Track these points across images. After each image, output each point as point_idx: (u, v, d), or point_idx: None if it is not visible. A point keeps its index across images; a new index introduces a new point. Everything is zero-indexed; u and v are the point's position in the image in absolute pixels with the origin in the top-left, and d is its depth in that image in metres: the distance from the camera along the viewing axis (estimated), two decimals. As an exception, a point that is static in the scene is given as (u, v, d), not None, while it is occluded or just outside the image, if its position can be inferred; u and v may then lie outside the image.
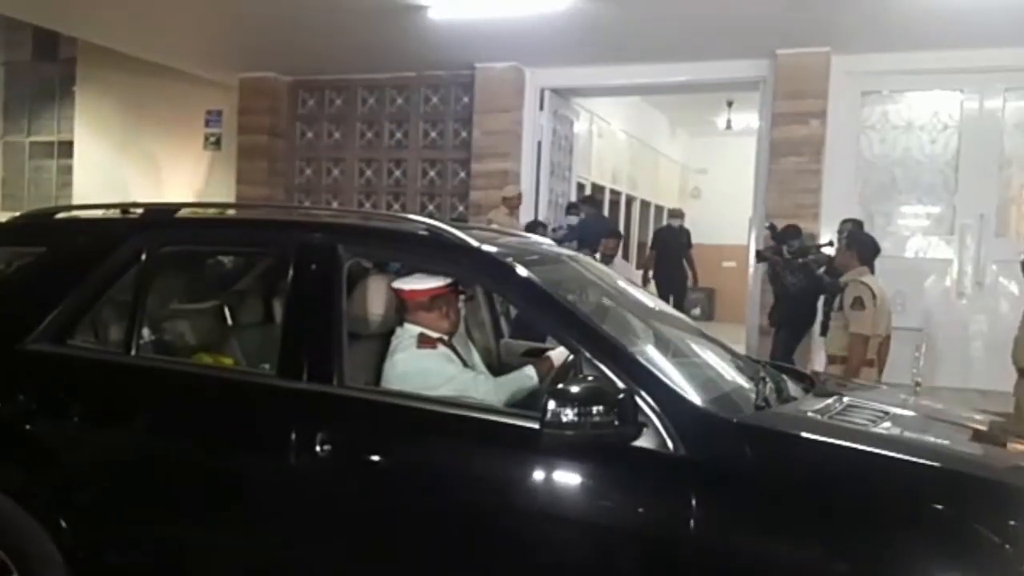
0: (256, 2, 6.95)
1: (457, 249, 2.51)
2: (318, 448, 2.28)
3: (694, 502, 2.01)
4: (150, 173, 11.91)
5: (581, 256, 3.44)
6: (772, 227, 7.10)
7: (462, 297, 2.90)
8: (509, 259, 2.51)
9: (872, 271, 5.38)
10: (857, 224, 6.65)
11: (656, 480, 2.10)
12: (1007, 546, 1.80)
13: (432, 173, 9.37)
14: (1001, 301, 7.24)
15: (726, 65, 7.86)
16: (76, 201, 11.97)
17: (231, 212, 3.28)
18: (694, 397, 2.22)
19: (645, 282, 9.65)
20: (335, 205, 9.79)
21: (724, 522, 2.02)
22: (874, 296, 5.00)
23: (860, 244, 5.40)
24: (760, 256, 7.18)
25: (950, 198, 7.53)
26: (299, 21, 7.31)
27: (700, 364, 2.73)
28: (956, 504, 1.94)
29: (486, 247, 2.53)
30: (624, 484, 2.13)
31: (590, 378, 2.15)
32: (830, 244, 6.55)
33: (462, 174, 9.11)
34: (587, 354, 2.23)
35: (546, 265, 2.81)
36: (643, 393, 2.12)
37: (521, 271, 2.44)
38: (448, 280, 2.74)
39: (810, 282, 6.40)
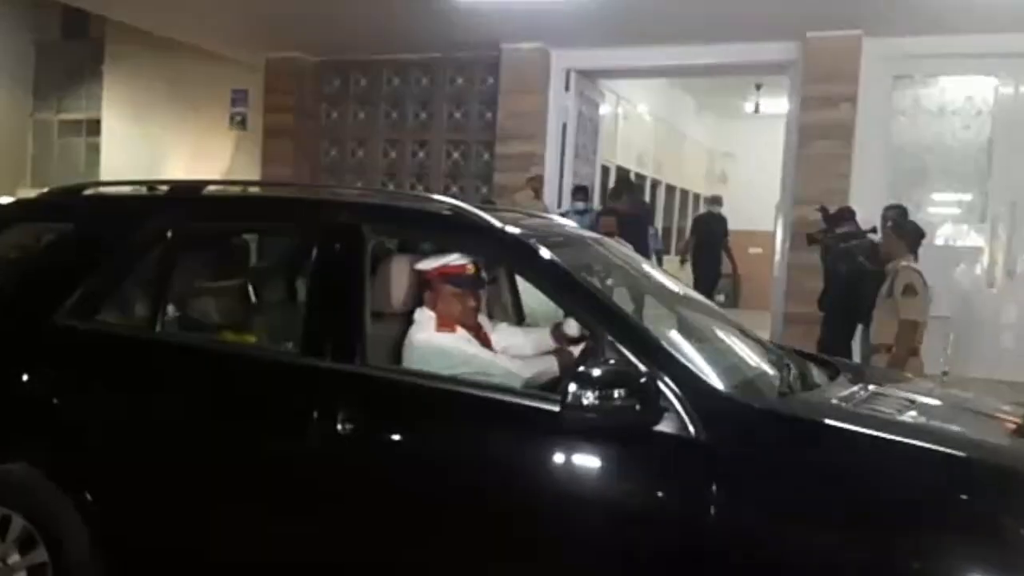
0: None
1: (481, 230, 2.50)
2: (340, 426, 2.29)
3: (714, 487, 2.00)
4: (176, 152, 12.02)
5: (606, 239, 3.41)
6: (824, 209, 6.85)
7: (483, 288, 2.85)
8: (533, 240, 2.49)
9: (916, 259, 5.25)
10: (901, 211, 6.52)
11: (677, 464, 2.09)
12: None
13: (456, 155, 9.35)
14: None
15: (755, 48, 7.75)
16: (104, 178, 12.11)
17: (256, 190, 3.28)
18: (716, 382, 2.21)
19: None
20: (359, 186, 9.81)
21: (745, 507, 2.01)
22: (925, 283, 4.93)
23: (909, 231, 5.28)
24: (811, 239, 6.89)
25: (982, 185, 7.40)
26: (325, 1, 7.29)
27: (723, 349, 2.71)
28: (981, 494, 1.92)
29: (510, 228, 2.52)
30: (645, 468, 2.12)
31: (612, 361, 2.14)
32: (874, 231, 6.40)
33: (486, 156, 9.09)
34: (610, 337, 2.22)
35: (570, 247, 2.80)
36: (665, 377, 2.11)
37: (545, 253, 2.43)
38: (467, 259, 2.71)
39: (852, 268, 6.24)
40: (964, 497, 1.93)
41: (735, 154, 14.38)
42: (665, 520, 2.06)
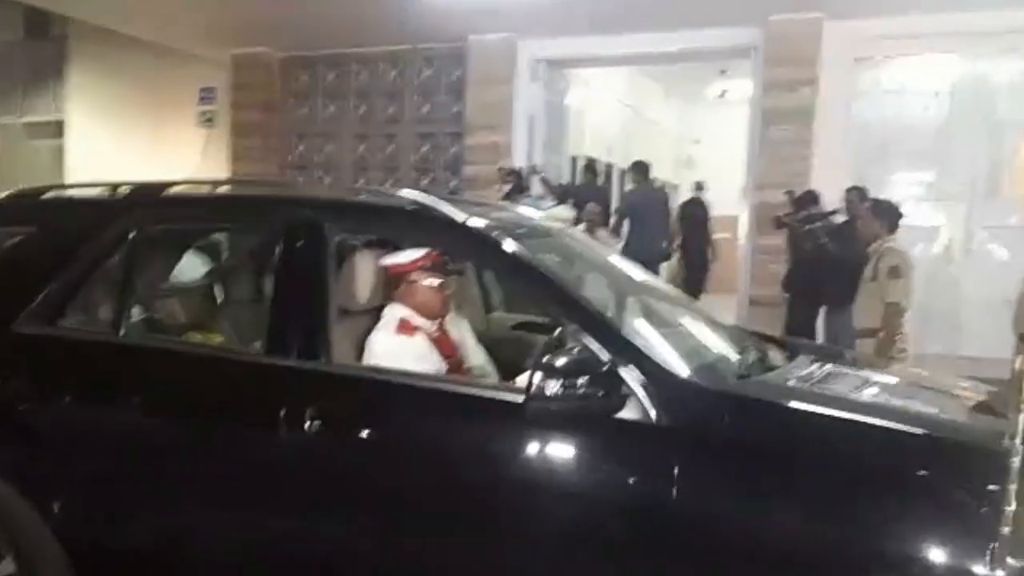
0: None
1: (444, 223, 2.51)
2: (307, 424, 2.31)
3: (676, 470, 2.04)
4: (144, 152, 11.88)
5: (571, 229, 3.46)
6: (791, 192, 7.00)
7: (450, 279, 2.86)
8: (496, 232, 2.52)
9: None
10: (861, 191, 6.66)
11: (640, 450, 2.13)
12: (984, 509, 1.82)
13: (426, 147, 9.36)
14: (991, 267, 7.26)
15: (719, 33, 7.83)
16: (70, 181, 11.97)
17: (223, 189, 3.29)
18: (676, 367, 2.25)
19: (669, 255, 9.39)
20: (328, 181, 9.80)
21: (706, 489, 2.06)
22: (910, 265, 4.91)
23: (886, 210, 5.23)
24: (778, 222, 7.00)
25: (942, 164, 7.54)
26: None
27: (684, 335, 2.76)
28: (938, 470, 1.96)
29: (472, 221, 2.53)
30: (609, 454, 2.16)
31: (575, 350, 2.18)
32: (834, 212, 6.47)
33: (455, 148, 9.11)
34: (572, 326, 2.26)
35: (534, 238, 2.82)
36: (627, 364, 2.15)
37: (507, 244, 2.45)
38: (428, 251, 2.72)
39: (814, 248, 6.31)
40: (921, 473, 1.96)
41: (702, 140, 14.49)
42: (630, 505, 2.10)
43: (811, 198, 6.78)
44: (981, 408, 2.56)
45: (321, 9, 7.71)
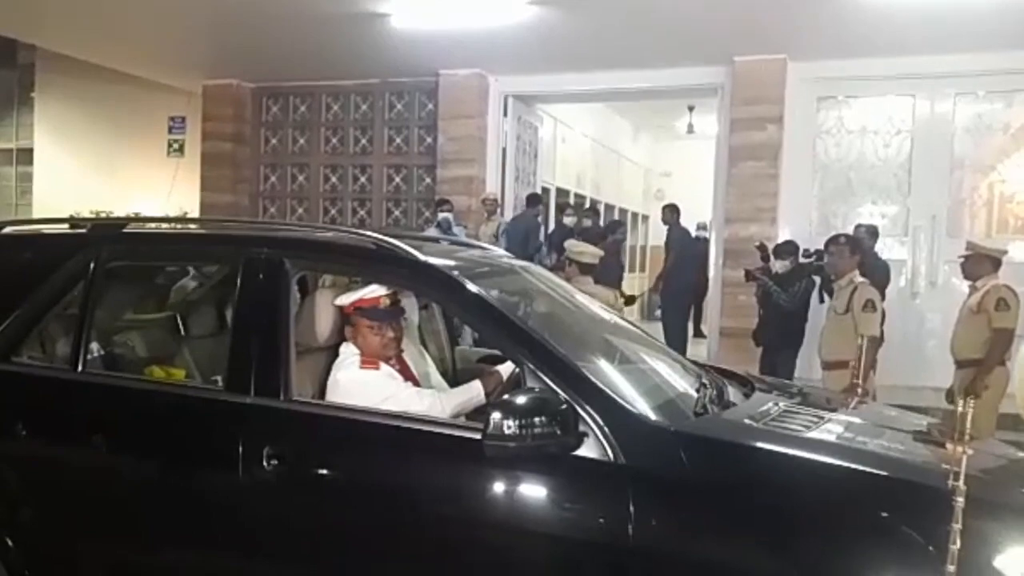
0: (218, 10, 6.93)
1: (403, 262, 2.52)
2: (265, 462, 2.30)
3: (632, 508, 2.06)
4: (113, 180, 11.80)
5: (535, 267, 3.48)
6: (762, 246, 6.64)
7: (399, 320, 2.82)
8: (456, 272, 2.53)
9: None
10: (871, 228, 6.81)
11: (597, 488, 2.14)
12: (931, 548, 1.84)
13: (398, 179, 9.38)
14: (953, 300, 7.38)
15: (686, 72, 8.00)
16: (36, 209, 11.81)
17: (185, 226, 3.29)
18: (633, 406, 2.27)
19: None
20: (300, 211, 9.77)
21: (660, 527, 2.07)
22: (882, 298, 5.07)
23: (864, 250, 5.35)
24: (748, 275, 6.58)
25: (904, 200, 7.71)
26: (261, 28, 7.30)
27: (645, 372, 2.79)
28: (882, 507, 1.99)
29: (433, 260, 2.55)
30: (567, 492, 2.17)
31: (534, 390, 2.20)
32: (819, 256, 6.08)
33: (428, 180, 9.14)
34: (530, 366, 2.27)
35: (495, 277, 2.84)
36: (584, 403, 2.17)
37: (467, 284, 2.46)
38: (382, 292, 2.70)
39: (807, 295, 6.19)
40: (870, 512, 1.98)
41: (672, 172, 14.69)
42: (587, 542, 2.11)
43: (788, 249, 6.38)
44: (931, 444, 2.60)
45: (292, 42, 7.75)
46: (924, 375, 6.90)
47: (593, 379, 2.30)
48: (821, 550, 1.95)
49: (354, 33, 7.28)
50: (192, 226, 4.05)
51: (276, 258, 2.57)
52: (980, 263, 5.30)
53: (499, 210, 8.44)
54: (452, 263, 2.63)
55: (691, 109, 11.71)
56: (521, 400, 2.12)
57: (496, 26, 6.88)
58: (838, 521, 1.99)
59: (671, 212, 9.30)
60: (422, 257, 2.53)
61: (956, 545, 1.76)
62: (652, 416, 2.27)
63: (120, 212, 10.64)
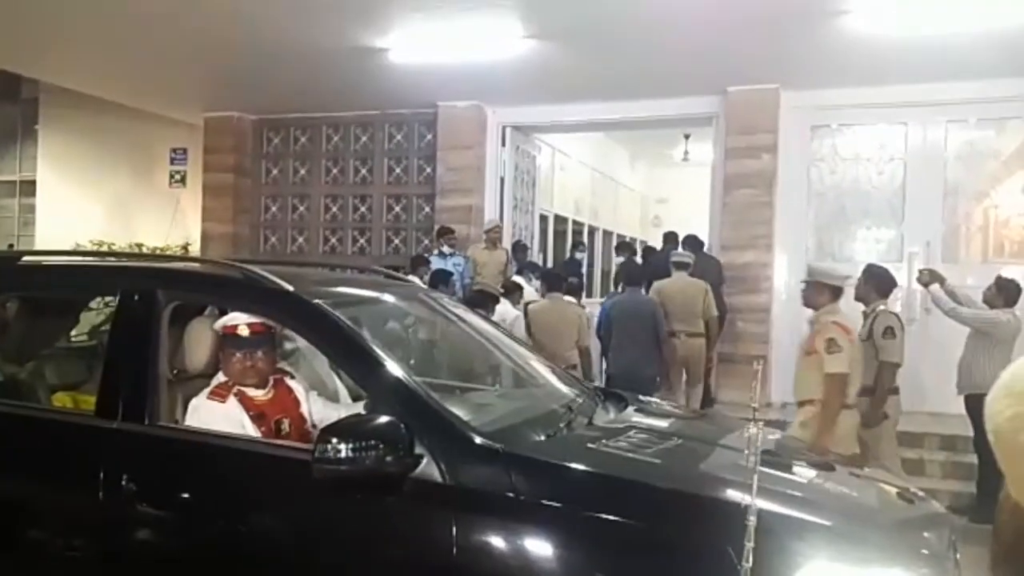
0: (219, 45, 7.06)
1: (267, 292, 2.60)
2: (123, 486, 2.37)
3: (455, 529, 2.12)
4: (115, 211, 11.90)
5: (436, 294, 3.55)
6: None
7: (262, 348, 2.76)
8: (316, 301, 2.58)
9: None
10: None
11: (426, 509, 2.21)
12: (743, 564, 1.80)
13: (397, 208, 9.48)
14: (950, 325, 7.44)
15: (680, 102, 8.11)
16: (39, 240, 11.91)
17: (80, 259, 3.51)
18: (468, 429, 2.33)
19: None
20: (301, 240, 9.86)
21: (480, 548, 2.13)
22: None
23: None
24: None
25: (898, 226, 7.79)
26: (262, 63, 7.42)
27: (499, 395, 2.90)
28: (690, 523, 2.09)
29: (293, 289, 2.60)
30: (399, 514, 2.24)
31: (365, 414, 2.31)
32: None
33: (427, 209, 9.24)
34: (374, 389, 2.41)
35: (367, 305, 2.97)
36: (421, 426, 2.25)
37: (321, 312, 2.53)
38: (241, 320, 2.70)
39: None
40: (673, 527, 2.09)
41: (668, 199, 14.81)
42: (418, 563, 2.18)
43: None
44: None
45: (293, 76, 7.87)
46: (921, 401, 6.94)
47: (430, 403, 2.38)
48: (619, 570, 2.04)
49: (354, 67, 7.41)
50: (89, 259, 4.32)
51: (150, 289, 2.67)
52: (819, 292, 4.60)
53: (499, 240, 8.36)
54: (316, 292, 2.68)
55: (687, 137, 11.84)
56: (351, 424, 2.22)
57: (493, 59, 7.00)
58: (647, 540, 2.07)
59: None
60: (286, 287, 2.59)
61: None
62: (487, 439, 2.31)
63: (122, 243, 10.79)
